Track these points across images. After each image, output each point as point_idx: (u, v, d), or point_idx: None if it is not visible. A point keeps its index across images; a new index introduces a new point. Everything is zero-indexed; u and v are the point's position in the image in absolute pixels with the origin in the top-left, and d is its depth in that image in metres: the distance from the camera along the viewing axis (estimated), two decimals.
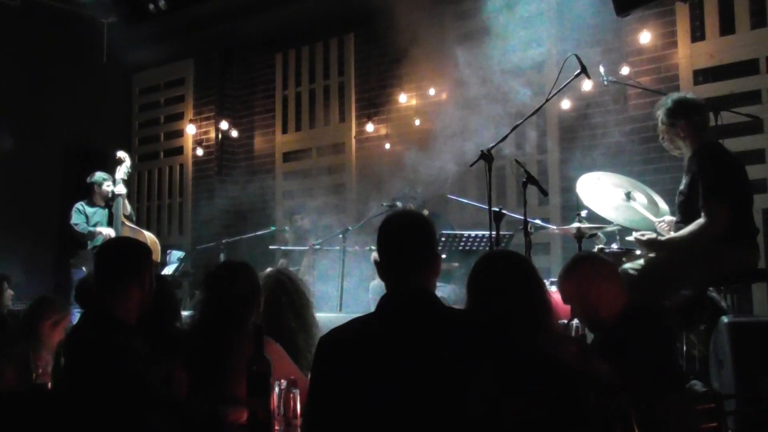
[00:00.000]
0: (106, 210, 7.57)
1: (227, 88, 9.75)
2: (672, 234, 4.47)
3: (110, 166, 7.63)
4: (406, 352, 2.08)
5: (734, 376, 3.58)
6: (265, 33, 9.13)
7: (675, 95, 4.62)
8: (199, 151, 9.63)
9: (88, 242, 7.37)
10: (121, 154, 7.55)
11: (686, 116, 4.44)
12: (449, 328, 2.13)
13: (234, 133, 9.59)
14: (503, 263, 2.62)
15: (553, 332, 2.61)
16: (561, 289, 3.09)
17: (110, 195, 7.53)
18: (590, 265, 3.06)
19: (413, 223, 2.31)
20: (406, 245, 2.26)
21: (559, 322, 3.12)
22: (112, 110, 10.23)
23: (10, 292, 6.29)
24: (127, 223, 7.44)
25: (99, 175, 7.61)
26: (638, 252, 4.89)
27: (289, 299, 3.53)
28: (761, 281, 5.29)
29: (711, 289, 4.54)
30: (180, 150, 10.07)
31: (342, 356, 2.17)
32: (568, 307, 3.12)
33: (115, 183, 7.41)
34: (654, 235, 4.48)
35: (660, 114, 4.55)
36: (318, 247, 6.88)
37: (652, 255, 4.47)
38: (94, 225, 7.42)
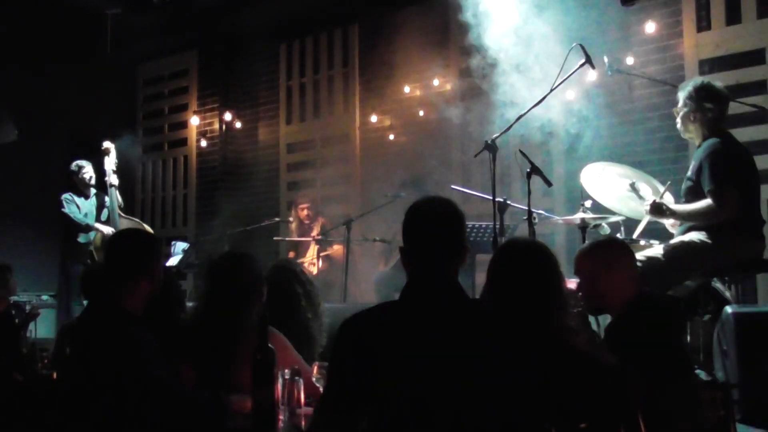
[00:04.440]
0: (93, 200, 7.56)
1: (231, 79, 9.73)
2: (680, 206, 4.45)
3: (100, 157, 7.59)
4: (428, 341, 2.08)
5: (738, 365, 3.58)
6: (269, 23, 9.11)
7: (699, 79, 4.62)
8: (203, 143, 9.63)
9: (81, 235, 7.34)
10: (107, 144, 7.54)
11: (700, 102, 4.44)
12: (471, 319, 2.13)
13: (238, 124, 9.58)
14: (529, 255, 2.62)
15: (566, 324, 2.61)
16: (575, 266, 3.09)
17: (91, 181, 7.52)
18: (608, 253, 3.05)
19: (441, 211, 2.26)
20: (432, 234, 2.22)
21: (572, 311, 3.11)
22: (117, 101, 10.22)
23: (15, 281, 6.31)
24: (123, 214, 7.44)
25: (75, 164, 7.60)
26: (642, 243, 4.89)
27: (304, 289, 3.56)
28: (766, 272, 5.28)
29: (715, 279, 4.55)
30: (184, 141, 10.07)
31: (365, 340, 2.15)
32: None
33: (106, 174, 7.39)
34: (661, 201, 4.48)
35: (679, 96, 4.56)
36: (322, 238, 6.89)
37: (652, 251, 4.46)
38: (85, 215, 7.42)
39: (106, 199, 7.41)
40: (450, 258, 2.22)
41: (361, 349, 2.15)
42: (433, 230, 2.23)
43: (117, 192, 7.38)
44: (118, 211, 7.30)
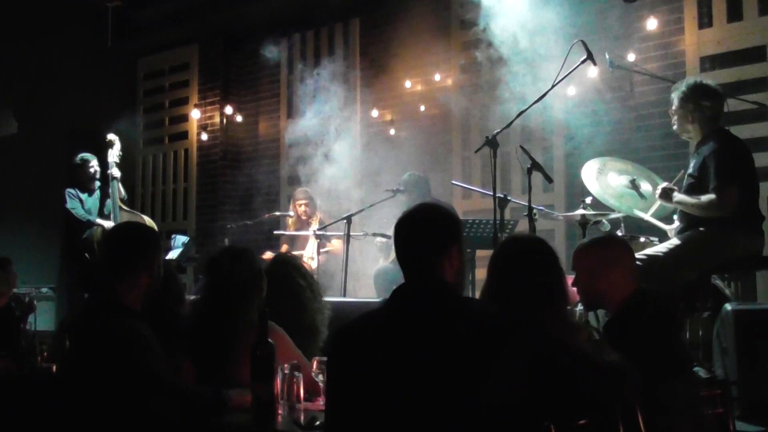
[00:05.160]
0: (98, 194, 7.55)
1: (232, 73, 9.72)
2: (685, 196, 4.46)
3: (102, 149, 7.58)
4: (415, 345, 2.07)
5: (737, 363, 3.58)
6: (270, 17, 9.10)
7: (691, 79, 4.62)
8: (204, 136, 9.62)
9: (86, 231, 7.34)
10: (111, 136, 7.53)
11: (697, 101, 4.45)
12: (459, 320, 2.12)
13: (239, 118, 9.57)
14: (530, 251, 2.62)
15: (566, 320, 2.61)
16: (574, 262, 3.08)
17: (96, 176, 7.50)
18: (608, 250, 3.03)
19: (422, 216, 2.31)
20: (411, 238, 2.27)
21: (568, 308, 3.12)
22: (117, 94, 10.22)
23: (15, 275, 6.31)
24: (124, 207, 7.42)
25: (79, 157, 7.59)
26: (642, 239, 4.89)
27: (307, 281, 3.57)
28: (766, 269, 5.29)
29: (715, 276, 4.55)
30: (185, 135, 10.06)
31: (355, 351, 2.18)
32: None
33: (108, 166, 7.37)
34: (672, 187, 4.49)
35: (673, 96, 4.56)
36: (321, 233, 6.88)
37: (652, 249, 4.46)
38: (88, 210, 7.40)
39: (109, 191, 7.40)
40: (430, 260, 2.23)
41: (348, 363, 2.18)
42: (408, 236, 2.28)
43: (119, 184, 7.36)
44: (119, 203, 7.29)
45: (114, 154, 7.40)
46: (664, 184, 4.55)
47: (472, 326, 2.09)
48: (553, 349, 2.23)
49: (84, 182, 7.47)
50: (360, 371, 2.13)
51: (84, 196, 7.44)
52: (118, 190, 7.32)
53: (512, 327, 2.12)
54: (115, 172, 7.33)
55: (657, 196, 4.56)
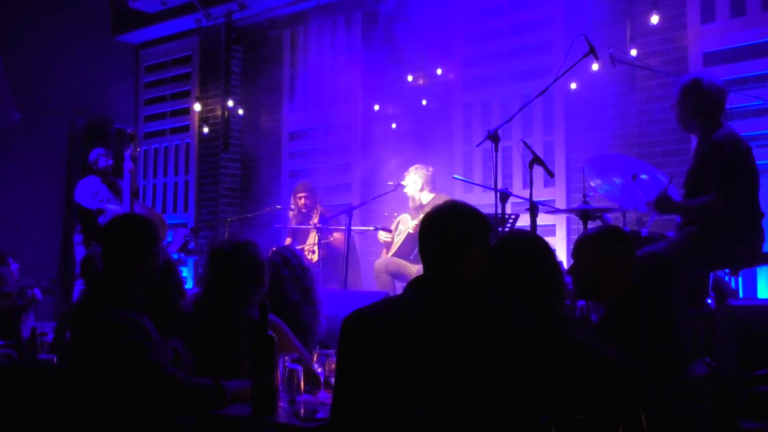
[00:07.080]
0: (111, 185, 7.61)
1: (234, 66, 9.70)
2: (686, 201, 4.46)
3: (118, 142, 7.65)
4: (422, 336, 2.09)
5: (739, 358, 3.58)
6: (273, 10, 9.09)
7: (695, 75, 4.62)
8: (205, 129, 9.61)
9: (99, 218, 7.42)
10: (131, 130, 7.60)
11: (699, 97, 4.44)
12: (466, 313, 2.14)
13: (240, 112, 9.56)
14: (524, 249, 2.62)
15: (564, 316, 2.61)
16: (574, 252, 3.06)
17: (109, 169, 7.58)
18: (610, 243, 3.02)
19: (445, 215, 2.35)
20: (431, 234, 2.32)
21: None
22: (119, 86, 10.21)
23: (15, 266, 6.32)
24: (137, 200, 7.47)
25: (95, 151, 7.68)
26: (644, 234, 4.89)
27: (293, 273, 3.55)
28: (766, 264, 5.30)
29: (716, 271, 4.55)
30: (186, 128, 10.05)
31: (366, 335, 2.19)
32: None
33: (125, 159, 7.45)
34: (667, 195, 4.48)
35: (678, 92, 4.56)
36: (321, 225, 6.88)
37: (653, 246, 4.46)
38: (100, 201, 7.46)
39: (121, 184, 7.48)
40: (446, 257, 2.27)
41: (359, 346, 2.20)
42: (430, 231, 2.33)
43: (133, 177, 7.45)
44: (132, 197, 7.36)
45: (133, 149, 7.48)
46: (658, 196, 4.50)
47: (479, 321, 2.11)
48: (550, 342, 2.23)
49: (98, 175, 7.59)
50: (369, 357, 2.15)
51: (96, 187, 7.54)
52: (132, 183, 7.40)
53: (518, 321, 2.13)
54: (130, 165, 7.41)
55: (653, 207, 4.52)
